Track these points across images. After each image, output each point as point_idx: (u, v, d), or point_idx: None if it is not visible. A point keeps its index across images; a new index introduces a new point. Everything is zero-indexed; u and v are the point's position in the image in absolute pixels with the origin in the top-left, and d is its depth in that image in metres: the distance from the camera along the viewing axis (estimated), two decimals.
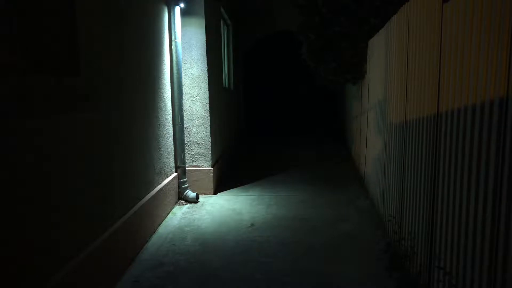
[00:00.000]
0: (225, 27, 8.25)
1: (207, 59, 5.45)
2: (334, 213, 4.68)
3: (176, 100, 5.04)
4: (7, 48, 1.96)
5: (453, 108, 2.12)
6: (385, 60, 4.13)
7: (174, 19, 4.93)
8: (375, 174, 4.67)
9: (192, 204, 5.12)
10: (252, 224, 4.36)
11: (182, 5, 5.05)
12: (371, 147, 5.09)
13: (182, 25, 5.21)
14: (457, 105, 2.06)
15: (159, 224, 4.37)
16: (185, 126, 5.40)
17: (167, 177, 4.81)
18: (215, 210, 4.90)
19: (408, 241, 2.99)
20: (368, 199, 5.09)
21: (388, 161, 3.86)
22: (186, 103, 5.43)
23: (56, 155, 2.39)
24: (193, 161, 5.56)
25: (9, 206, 1.96)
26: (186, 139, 5.46)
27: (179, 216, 4.69)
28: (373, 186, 4.82)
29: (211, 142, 5.58)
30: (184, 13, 5.19)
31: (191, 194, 5.18)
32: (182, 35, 5.23)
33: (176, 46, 4.96)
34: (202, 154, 5.57)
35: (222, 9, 7.26)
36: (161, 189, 4.46)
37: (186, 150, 5.42)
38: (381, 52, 4.35)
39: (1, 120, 1.91)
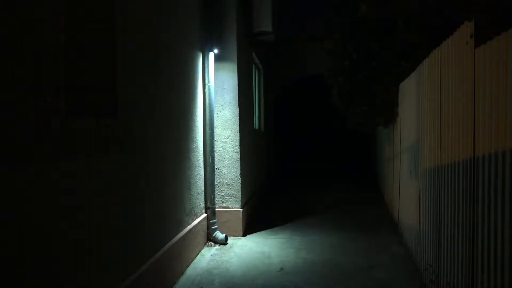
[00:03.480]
0: (256, 71, 8.49)
1: (239, 102, 5.59)
2: (367, 260, 4.51)
3: (207, 142, 5.14)
4: (51, 93, 2.10)
5: (490, 151, 2.06)
6: (416, 103, 4.10)
7: (208, 63, 5.13)
8: (409, 220, 4.51)
9: (221, 246, 5.07)
10: (282, 268, 4.25)
11: (216, 50, 5.27)
12: (404, 191, 4.95)
13: (215, 69, 5.40)
14: (494, 148, 2.01)
15: (188, 266, 4.33)
16: (215, 167, 5.47)
17: (197, 217, 4.83)
18: (244, 252, 4.83)
19: None
20: (402, 246, 4.89)
21: (423, 206, 3.73)
22: (217, 145, 5.53)
23: (91, 196, 2.46)
24: (222, 202, 5.57)
25: (42, 244, 2.02)
26: (216, 180, 5.50)
27: (207, 258, 4.65)
28: (408, 232, 4.64)
29: (241, 183, 5.60)
30: (217, 58, 5.41)
31: (220, 235, 5.15)
32: (215, 78, 5.42)
33: (209, 89, 5.13)
34: (232, 195, 5.58)
35: (254, 54, 7.51)
36: (190, 229, 4.47)
37: (216, 191, 5.45)
38: (413, 95, 4.34)
39: (42, 161, 2.00)
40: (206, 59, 5.14)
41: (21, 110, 1.87)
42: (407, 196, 4.71)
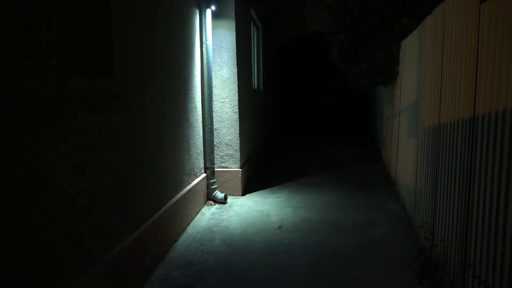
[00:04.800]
0: (255, 29, 8.29)
1: (237, 61, 5.49)
2: (364, 217, 4.60)
3: (206, 102, 5.10)
4: (46, 51, 2.05)
5: (490, 110, 2.04)
6: (418, 61, 4.03)
7: (205, 21, 4.99)
8: (407, 178, 4.57)
9: (221, 205, 5.16)
10: (280, 226, 4.35)
11: (213, 7, 5.11)
12: (403, 150, 4.97)
13: (213, 28, 5.26)
14: (494, 107, 1.99)
15: (188, 224, 4.43)
16: (214, 128, 5.46)
17: (197, 177, 4.88)
18: (243, 211, 4.92)
19: (441, 248, 2.90)
20: (399, 204, 4.98)
21: (421, 165, 3.76)
22: (216, 105, 5.49)
23: (91, 154, 2.47)
24: (222, 162, 5.60)
25: (41, 202, 2.04)
26: (215, 141, 5.51)
27: (207, 216, 4.74)
28: (405, 190, 4.71)
29: (239, 144, 5.61)
30: (215, 15, 5.25)
31: (219, 195, 5.22)
32: (213, 37, 5.29)
33: (206, 48, 5.02)
34: (231, 156, 5.61)
35: (252, 11, 7.29)
36: (190, 189, 4.52)
37: (215, 151, 5.47)
38: (414, 53, 4.25)
39: (42, 119, 1.99)
40: (203, 16, 4.99)
41: (16, 69, 1.83)
42: (405, 155, 4.74)
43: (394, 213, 4.69)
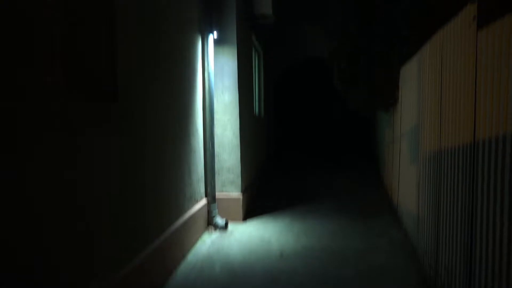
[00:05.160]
0: (256, 54, 8.40)
1: (239, 87, 5.54)
2: (365, 244, 4.53)
3: (207, 127, 5.12)
4: (51, 72, 2.08)
5: (490, 136, 2.03)
6: (417, 87, 4.05)
7: (207, 47, 5.07)
8: (409, 204, 4.52)
9: (221, 231, 5.10)
10: (281, 254, 4.28)
11: (215, 34, 5.20)
12: (404, 175, 4.94)
13: (215, 53, 5.34)
14: (494, 133, 1.98)
15: (189, 251, 4.36)
16: (215, 153, 5.45)
17: (197, 203, 4.84)
18: (244, 238, 4.85)
19: (445, 277, 2.83)
20: (401, 230, 4.91)
21: (422, 191, 3.73)
22: (217, 130, 5.50)
23: (90, 178, 2.46)
24: (223, 187, 5.57)
25: (37, 231, 2.02)
26: (217, 166, 5.50)
27: (208, 243, 4.68)
28: (407, 216, 4.65)
29: (241, 169, 5.59)
30: (217, 41, 5.34)
31: (220, 221, 5.17)
32: (215, 63, 5.36)
33: (208, 73, 5.07)
34: (232, 181, 5.58)
35: (253, 38, 7.41)
36: (191, 215, 4.48)
37: (216, 177, 5.45)
38: (414, 79, 4.29)
39: (39, 143, 1.99)
40: (205, 42, 5.07)
41: (19, 87, 1.84)
42: (407, 180, 4.70)
43: (397, 240, 4.62)
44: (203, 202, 5.02)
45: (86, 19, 2.52)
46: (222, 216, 5.35)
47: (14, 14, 1.84)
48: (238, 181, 5.57)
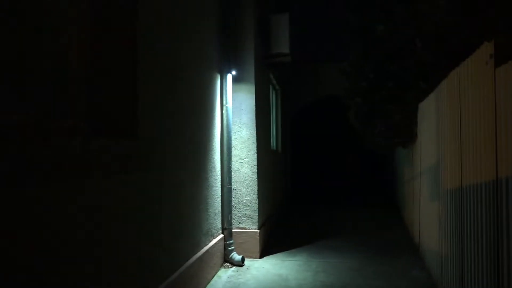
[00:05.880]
0: (273, 91, 8.56)
1: (256, 123, 5.62)
2: (387, 284, 4.38)
3: (225, 162, 5.16)
4: (75, 114, 2.16)
5: None
6: (436, 124, 4.05)
7: (226, 85, 5.21)
8: (431, 243, 4.40)
9: (238, 268, 5.02)
10: None
11: (233, 72, 5.35)
12: (425, 213, 4.84)
13: (233, 91, 5.47)
14: None
15: (204, 287, 4.29)
16: (233, 188, 5.47)
17: (214, 238, 4.81)
18: (261, 275, 4.76)
19: None
20: (423, 270, 4.75)
21: (445, 229, 3.64)
22: (235, 165, 5.54)
23: (107, 213, 2.49)
24: (239, 222, 5.54)
25: (56, 263, 2.04)
26: (234, 201, 5.49)
27: (224, 279, 4.60)
28: (429, 255, 4.52)
29: (258, 204, 5.57)
30: (235, 79, 5.48)
31: (236, 257, 5.10)
32: (233, 100, 5.48)
33: (227, 110, 5.18)
34: (249, 216, 5.55)
35: (271, 75, 7.58)
36: (207, 250, 4.44)
37: (233, 212, 5.43)
38: (432, 115, 4.29)
39: (60, 182, 2.05)
40: (224, 80, 5.22)
41: (42, 129, 1.92)
42: (428, 218, 4.60)
43: (419, 280, 4.46)
44: (219, 237, 4.99)
45: (110, 62, 2.64)
46: (238, 252, 5.28)
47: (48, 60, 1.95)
48: (255, 216, 5.54)
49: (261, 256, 5.51)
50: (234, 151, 5.53)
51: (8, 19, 1.88)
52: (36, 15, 2.05)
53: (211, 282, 4.49)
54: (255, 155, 5.57)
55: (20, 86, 1.95)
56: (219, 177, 5.08)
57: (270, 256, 5.57)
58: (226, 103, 5.19)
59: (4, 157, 1.68)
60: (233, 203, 5.46)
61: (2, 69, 1.88)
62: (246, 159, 5.58)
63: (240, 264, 5.07)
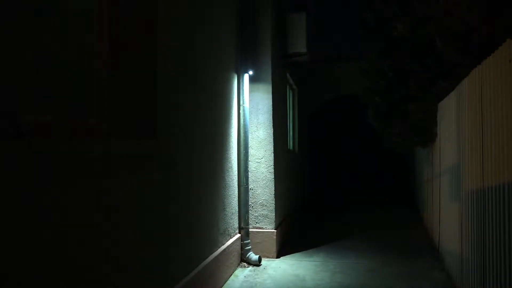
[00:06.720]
0: (290, 91, 8.53)
1: (273, 123, 5.61)
2: (405, 286, 4.32)
3: (242, 162, 5.18)
4: (96, 115, 2.20)
5: None
6: (457, 123, 3.97)
7: (243, 85, 5.22)
8: (451, 244, 4.31)
9: (254, 267, 5.02)
10: None
11: (250, 72, 5.36)
12: (445, 214, 4.75)
13: (250, 90, 5.47)
14: None
15: (221, 287, 4.31)
16: (249, 187, 5.47)
17: (231, 238, 4.82)
18: (278, 274, 4.76)
19: None
20: (444, 271, 4.66)
21: (466, 230, 3.56)
22: (251, 165, 5.55)
23: (127, 213, 2.52)
24: (256, 222, 5.54)
25: (76, 259, 2.07)
26: (250, 200, 5.50)
27: (241, 279, 4.61)
28: (449, 257, 4.43)
29: (275, 204, 5.57)
30: (252, 79, 5.48)
31: (253, 256, 5.11)
32: (250, 99, 5.48)
33: (243, 110, 5.19)
34: (265, 216, 5.55)
35: (288, 75, 7.56)
36: (224, 249, 4.46)
37: (250, 211, 5.44)
38: (453, 114, 4.21)
39: (85, 178, 2.08)
40: (241, 80, 5.23)
41: (67, 130, 1.96)
42: (448, 219, 4.52)
43: (439, 283, 4.38)
44: (236, 236, 5.00)
45: (130, 64, 2.68)
46: (255, 252, 5.29)
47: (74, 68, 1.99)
48: (272, 216, 5.53)
49: (277, 256, 5.50)
50: (251, 151, 5.54)
51: (34, 22, 1.93)
52: (59, 18, 2.09)
53: (228, 282, 4.51)
54: (272, 155, 5.57)
55: (46, 87, 1.99)
56: (236, 176, 5.09)
57: (287, 256, 5.56)
58: (243, 103, 5.20)
59: (32, 156, 1.72)
60: (250, 203, 5.46)
61: (29, 72, 1.93)
62: (263, 159, 5.58)
63: (257, 263, 5.08)
